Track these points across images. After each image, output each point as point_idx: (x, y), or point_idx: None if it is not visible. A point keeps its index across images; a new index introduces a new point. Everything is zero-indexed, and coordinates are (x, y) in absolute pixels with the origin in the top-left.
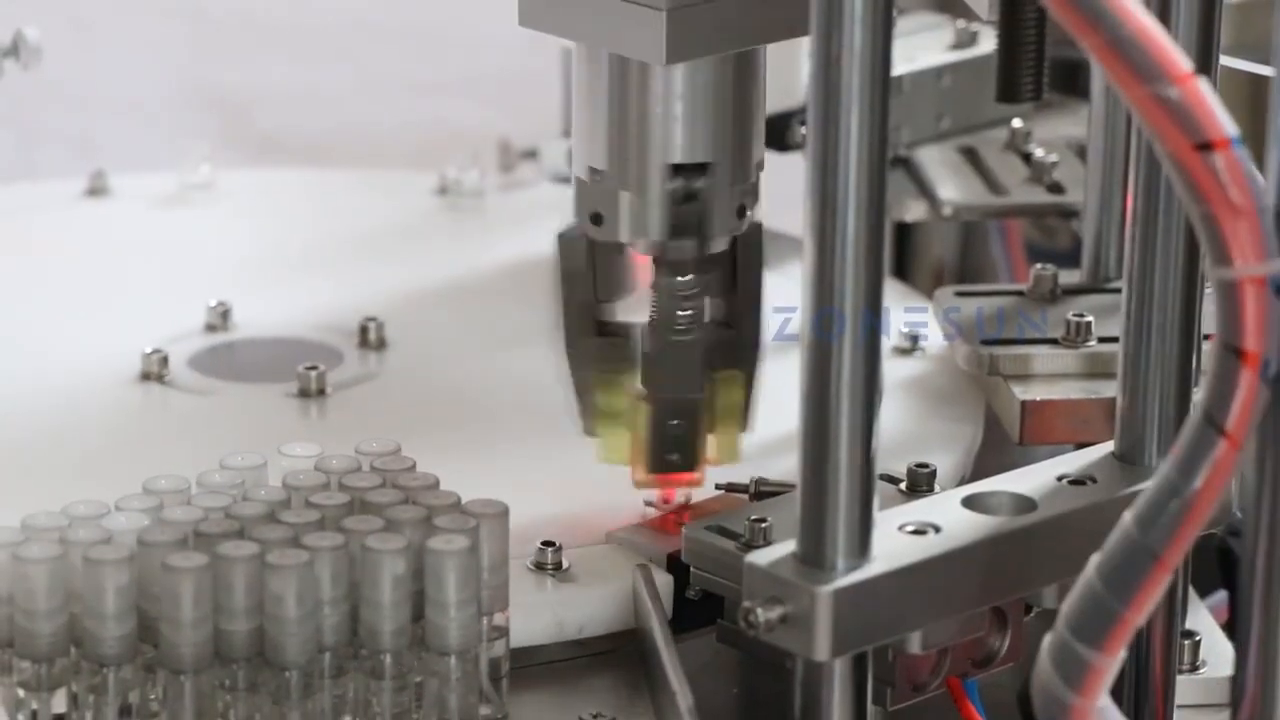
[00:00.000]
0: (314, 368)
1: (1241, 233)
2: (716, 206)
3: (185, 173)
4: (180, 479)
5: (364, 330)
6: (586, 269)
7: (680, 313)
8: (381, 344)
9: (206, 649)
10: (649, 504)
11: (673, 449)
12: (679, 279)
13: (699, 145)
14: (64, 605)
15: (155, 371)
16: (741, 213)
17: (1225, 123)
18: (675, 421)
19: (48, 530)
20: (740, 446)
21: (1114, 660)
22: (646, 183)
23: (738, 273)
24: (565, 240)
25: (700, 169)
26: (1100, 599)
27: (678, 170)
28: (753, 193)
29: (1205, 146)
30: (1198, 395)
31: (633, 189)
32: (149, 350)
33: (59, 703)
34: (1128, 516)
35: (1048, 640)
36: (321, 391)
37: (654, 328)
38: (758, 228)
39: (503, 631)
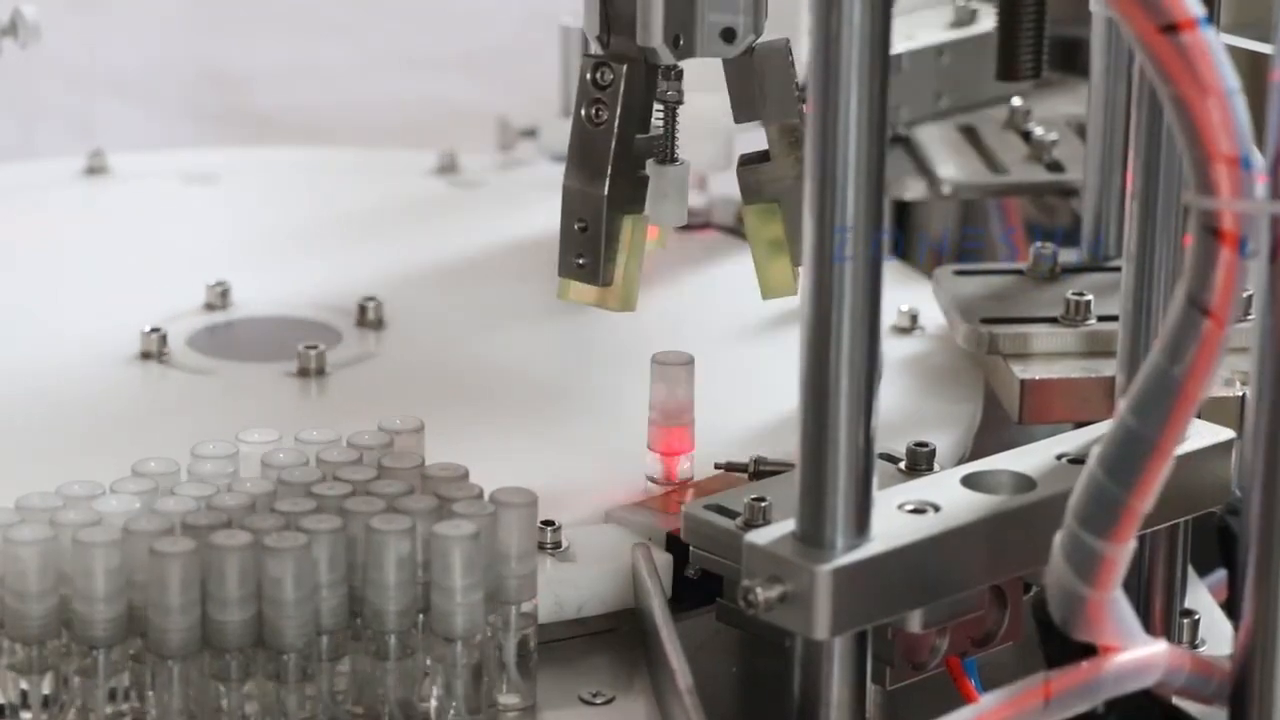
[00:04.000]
0: (313, 347)
1: (1211, 110)
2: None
3: (183, 151)
4: (170, 461)
5: (362, 309)
6: (645, 99)
7: (596, 101)
8: (380, 323)
9: (194, 635)
10: (651, 479)
11: (579, 251)
12: (599, 70)
13: None
14: (55, 587)
15: (154, 350)
16: (729, 35)
17: (1190, 4)
18: (581, 221)
19: (41, 511)
20: (793, 280)
21: (1124, 549)
22: None
23: (760, 102)
24: (633, 69)
25: None
26: (1104, 489)
27: None
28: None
29: (1171, 28)
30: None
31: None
32: (148, 329)
33: (49, 685)
34: (1123, 405)
35: (1058, 538)
36: (321, 371)
37: (575, 117)
38: (779, 54)
39: (531, 620)
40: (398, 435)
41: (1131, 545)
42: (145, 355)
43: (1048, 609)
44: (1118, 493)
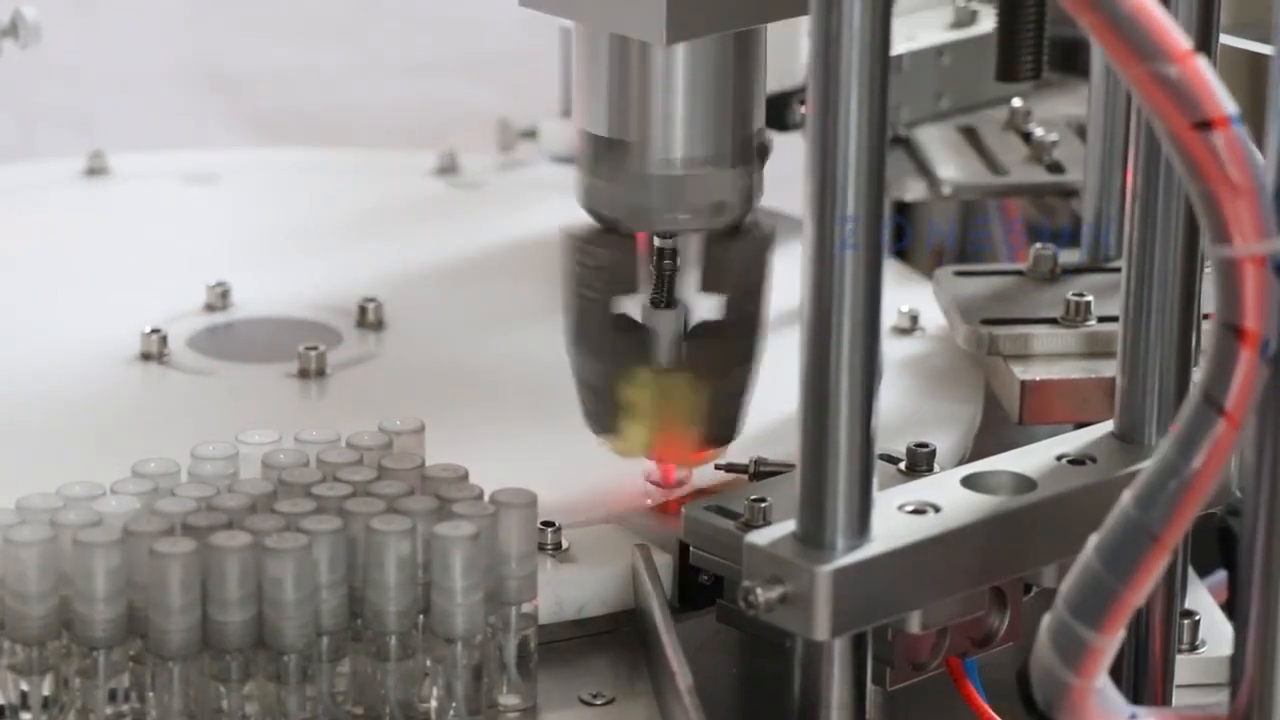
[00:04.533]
0: (314, 348)
1: (1241, 211)
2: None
3: (183, 151)
4: (170, 461)
5: (363, 310)
6: (604, 267)
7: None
8: (380, 324)
9: (194, 636)
10: (651, 481)
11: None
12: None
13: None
14: (55, 588)
15: (155, 351)
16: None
17: (1224, 101)
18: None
19: (41, 512)
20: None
21: (1113, 640)
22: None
23: (743, 270)
24: (575, 239)
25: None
26: (1099, 579)
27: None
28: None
29: (1204, 125)
30: (1197, 375)
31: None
32: (148, 330)
33: (50, 686)
34: (1127, 496)
35: (1047, 620)
36: (321, 372)
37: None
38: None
39: (531, 620)
40: (398, 436)
41: (1121, 636)
42: (145, 356)
43: (1031, 685)
44: (1112, 583)
